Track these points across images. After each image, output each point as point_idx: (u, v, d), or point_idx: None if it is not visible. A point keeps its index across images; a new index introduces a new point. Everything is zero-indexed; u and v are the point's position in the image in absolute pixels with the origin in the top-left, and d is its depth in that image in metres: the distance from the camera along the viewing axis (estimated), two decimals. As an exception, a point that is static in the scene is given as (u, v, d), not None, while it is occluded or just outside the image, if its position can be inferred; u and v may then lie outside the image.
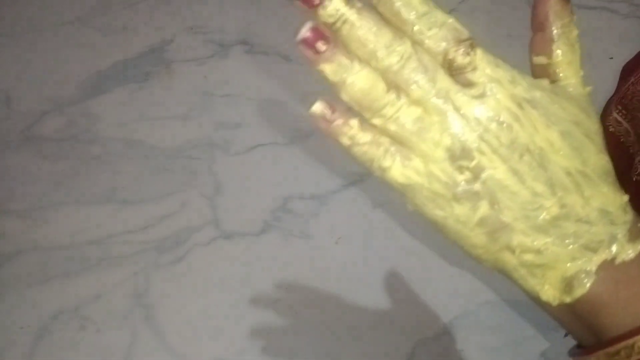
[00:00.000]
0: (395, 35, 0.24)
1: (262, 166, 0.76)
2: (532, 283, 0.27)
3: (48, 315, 0.63)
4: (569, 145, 0.26)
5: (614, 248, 0.27)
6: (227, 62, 0.88)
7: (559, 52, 0.27)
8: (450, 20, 0.25)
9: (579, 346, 0.29)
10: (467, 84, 0.25)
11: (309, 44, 0.24)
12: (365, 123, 0.25)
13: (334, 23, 0.24)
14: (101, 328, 0.63)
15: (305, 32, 0.24)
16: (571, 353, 0.30)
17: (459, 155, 0.25)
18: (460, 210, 0.26)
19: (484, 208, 0.26)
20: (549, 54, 0.27)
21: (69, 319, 0.63)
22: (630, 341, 0.26)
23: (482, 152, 0.25)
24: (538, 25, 0.27)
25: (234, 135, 0.79)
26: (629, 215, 0.27)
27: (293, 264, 0.67)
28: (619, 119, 0.57)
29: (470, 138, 0.25)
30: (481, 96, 0.25)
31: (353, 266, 0.66)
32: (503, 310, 0.63)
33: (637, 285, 0.27)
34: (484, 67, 0.25)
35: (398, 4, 0.24)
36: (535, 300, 0.28)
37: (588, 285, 0.26)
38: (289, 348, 0.61)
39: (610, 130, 0.59)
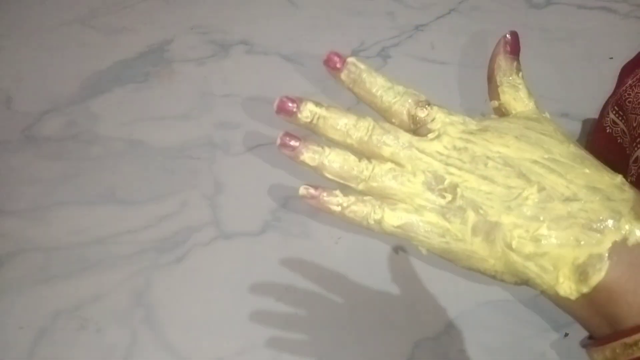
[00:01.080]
0: (358, 117, 0.31)
1: (262, 166, 0.76)
2: (547, 279, 0.28)
3: (48, 315, 0.63)
4: (526, 142, 0.29)
5: (622, 227, 0.27)
6: (227, 62, 0.88)
7: (503, 93, 0.32)
8: (409, 89, 0.31)
9: (591, 337, 0.29)
10: (427, 133, 0.30)
11: (285, 145, 0.31)
12: (346, 190, 0.31)
13: (311, 121, 0.31)
14: (101, 328, 0.63)
15: (280, 138, 0.32)
16: (583, 344, 0.29)
17: (434, 183, 0.30)
18: (454, 227, 0.29)
19: (471, 217, 0.29)
20: (497, 97, 0.33)
21: (69, 319, 0.63)
22: None
23: (450, 173, 0.29)
24: (488, 78, 0.33)
25: (234, 135, 0.79)
26: (628, 194, 0.28)
27: (293, 264, 0.67)
28: (616, 120, 0.57)
29: (438, 166, 0.30)
30: (437, 137, 0.30)
31: (353, 266, 0.66)
32: (503, 310, 0.63)
33: None
34: (439, 117, 0.30)
35: (368, 84, 0.31)
36: (556, 299, 0.28)
37: (603, 271, 0.26)
38: (288, 348, 0.61)
39: (607, 131, 0.59)
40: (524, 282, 0.29)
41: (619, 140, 0.58)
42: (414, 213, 0.30)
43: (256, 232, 0.70)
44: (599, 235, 0.27)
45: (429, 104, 0.31)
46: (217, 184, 0.74)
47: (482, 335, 0.61)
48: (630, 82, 0.56)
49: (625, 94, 0.56)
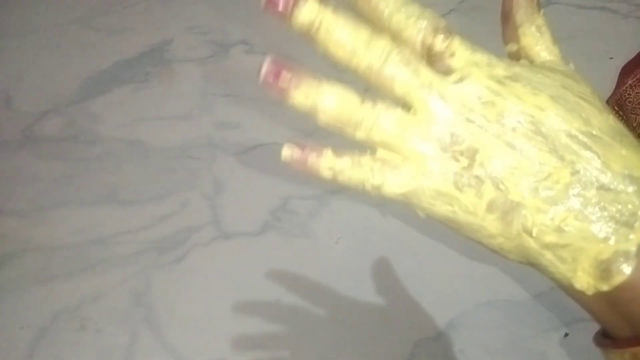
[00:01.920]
0: (372, 32, 0.24)
1: (262, 166, 0.76)
2: (563, 270, 0.24)
3: (48, 315, 0.63)
4: (563, 107, 0.25)
5: None
6: (227, 62, 0.88)
7: (524, 35, 0.27)
8: (427, 10, 0.25)
9: (605, 334, 0.27)
10: (446, 71, 0.25)
11: (273, 76, 0.24)
12: (339, 149, 0.25)
13: (310, 29, 0.24)
14: (101, 328, 0.63)
15: (267, 67, 0.24)
16: (598, 342, 0.27)
17: (449, 142, 0.24)
18: (466, 199, 0.25)
19: (489, 191, 0.24)
20: (516, 39, 0.28)
21: (69, 319, 0.63)
22: None
23: (471, 133, 0.24)
24: (505, 17, 0.28)
25: (234, 135, 0.79)
26: None
27: (293, 264, 0.67)
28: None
29: (457, 122, 0.24)
30: (460, 80, 0.25)
31: (353, 266, 0.66)
32: (503, 310, 0.63)
33: None
34: (462, 52, 0.25)
35: None
36: (568, 290, 0.25)
37: (629, 270, 0.23)
38: (288, 348, 0.61)
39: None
40: (531, 264, 0.26)
41: (619, 140, 0.58)
42: (420, 177, 0.25)
43: (256, 232, 0.70)
44: (629, 231, 0.23)
45: (450, 33, 0.25)
46: (217, 184, 0.74)
47: (482, 335, 0.61)
48: (630, 82, 0.56)
49: (626, 94, 0.56)
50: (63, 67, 0.87)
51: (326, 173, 0.25)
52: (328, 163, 0.25)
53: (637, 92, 0.55)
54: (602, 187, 0.24)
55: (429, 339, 0.61)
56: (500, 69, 0.25)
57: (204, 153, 0.77)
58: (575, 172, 0.24)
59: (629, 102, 0.56)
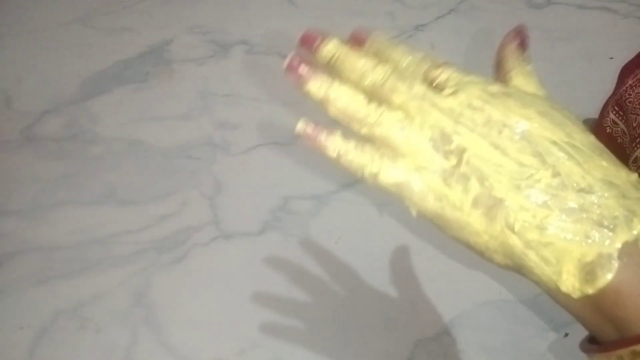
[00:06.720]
0: (378, 62, 0.29)
1: (262, 166, 0.76)
2: (549, 272, 0.26)
3: (48, 315, 0.63)
4: (549, 120, 0.27)
5: (635, 227, 0.24)
6: (227, 62, 0.88)
7: (516, 76, 0.30)
8: (430, 55, 0.30)
9: (592, 340, 0.27)
10: (442, 88, 0.28)
11: (292, 68, 0.29)
12: (347, 133, 0.29)
13: (330, 60, 0.30)
14: (101, 328, 0.63)
15: (290, 59, 0.29)
16: (584, 348, 0.27)
17: (440, 142, 0.27)
18: (454, 194, 0.27)
19: (474, 187, 0.27)
20: (507, 82, 0.30)
21: (69, 319, 0.63)
22: None
23: (459, 134, 0.27)
24: (497, 64, 0.31)
25: (234, 135, 0.79)
26: None
27: (293, 264, 0.67)
28: (616, 120, 0.58)
29: (447, 124, 0.27)
30: (453, 93, 0.28)
31: (353, 266, 0.66)
32: (503, 310, 0.63)
33: None
34: (455, 76, 0.28)
35: (388, 50, 0.30)
36: (554, 294, 0.26)
37: (612, 272, 0.24)
38: (288, 348, 0.61)
39: (607, 131, 0.59)
40: (517, 267, 0.27)
41: (619, 140, 0.58)
42: (414, 172, 0.28)
43: (256, 232, 0.70)
44: (610, 233, 0.24)
45: (447, 66, 0.29)
46: (217, 184, 0.74)
47: (482, 335, 0.62)
48: (630, 82, 0.56)
49: (626, 94, 0.56)
50: (63, 67, 0.87)
51: (331, 152, 0.29)
52: (335, 143, 0.29)
53: (637, 92, 0.55)
54: (582, 190, 0.25)
55: (429, 339, 0.61)
56: (495, 87, 0.28)
57: (204, 153, 0.77)
58: (556, 174, 0.26)
59: (629, 102, 0.56)
